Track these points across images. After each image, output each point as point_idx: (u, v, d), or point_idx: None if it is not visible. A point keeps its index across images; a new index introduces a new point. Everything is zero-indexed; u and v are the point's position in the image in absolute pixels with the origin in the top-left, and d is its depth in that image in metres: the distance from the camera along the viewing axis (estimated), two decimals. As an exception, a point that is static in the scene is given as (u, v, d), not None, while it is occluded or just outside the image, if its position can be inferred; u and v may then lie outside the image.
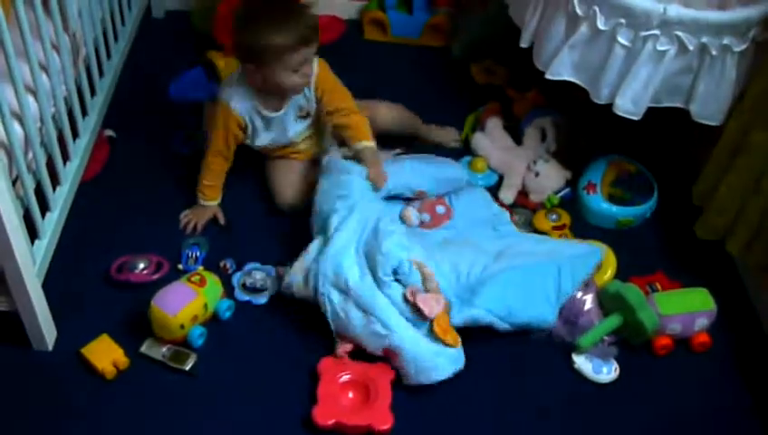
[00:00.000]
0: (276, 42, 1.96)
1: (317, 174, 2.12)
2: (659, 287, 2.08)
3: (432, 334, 1.85)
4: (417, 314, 1.86)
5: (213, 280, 1.95)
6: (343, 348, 1.88)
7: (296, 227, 2.13)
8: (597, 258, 2.06)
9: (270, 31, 1.96)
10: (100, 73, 2.25)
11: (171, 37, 2.80)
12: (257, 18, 1.99)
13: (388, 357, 1.86)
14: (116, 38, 2.38)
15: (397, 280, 1.90)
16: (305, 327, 1.96)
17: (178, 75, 2.60)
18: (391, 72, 2.72)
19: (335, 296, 1.87)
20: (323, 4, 2.83)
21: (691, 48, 1.91)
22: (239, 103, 2.09)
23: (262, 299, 2.01)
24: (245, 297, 2.01)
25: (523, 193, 2.31)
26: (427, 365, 1.82)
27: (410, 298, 1.86)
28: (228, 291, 2.00)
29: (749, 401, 1.92)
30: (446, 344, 1.84)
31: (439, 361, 1.83)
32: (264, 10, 2.00)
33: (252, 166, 2.29)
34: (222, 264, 2.07)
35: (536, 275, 1.97)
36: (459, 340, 1.86)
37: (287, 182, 2.21)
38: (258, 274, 2.05)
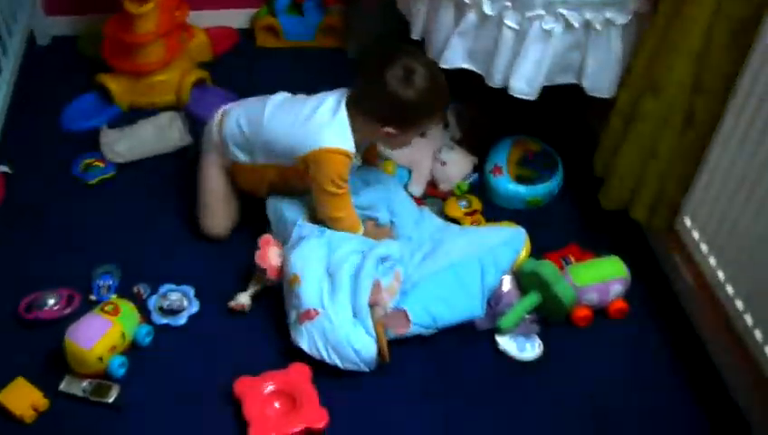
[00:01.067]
0: (439, 114, 1.99)
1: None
2: (573, 259, 2.13)
3: (367, 326, 1.86)
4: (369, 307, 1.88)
5: (128, 307, 1.90)
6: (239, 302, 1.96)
7: (208, 246, 2.13)
8: (520, 243, 2.09)
9: (440, 104, 1.98)
10: (-13, 108, 2.17)
11: (59, 63, 2.73)
12: (434, 85, 1.92)
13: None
14: None
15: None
16: (227, 342, 1.95)
17: (70, 103, 2.53)
18: (288, 76, 2.69)
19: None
20: (213, 16, 2.80)
21: (576, 25, 1.95)
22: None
23: (180, 320, 1.97)
24: (163, 320, 1.97)
25: (433, 183, 2.33)
26: (340, 347, 1.84)
27: (375, 287, 1.89)
28: (145, 316, 1.96)
29: (670, 359, 1.99)
30: (379, 346, 1.85)
31: (350, 350, 1.84)
32: (435, 77, 1.93)
33: (160, 185, 2.24)
34: (135, 289, 2.02)
35: (459, 275, 1.99)
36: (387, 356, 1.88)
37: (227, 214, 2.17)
38: (174, 294, 2.01)
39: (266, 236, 2.02)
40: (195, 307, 2.00)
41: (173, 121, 2.43)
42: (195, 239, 2.16)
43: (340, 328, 1.84)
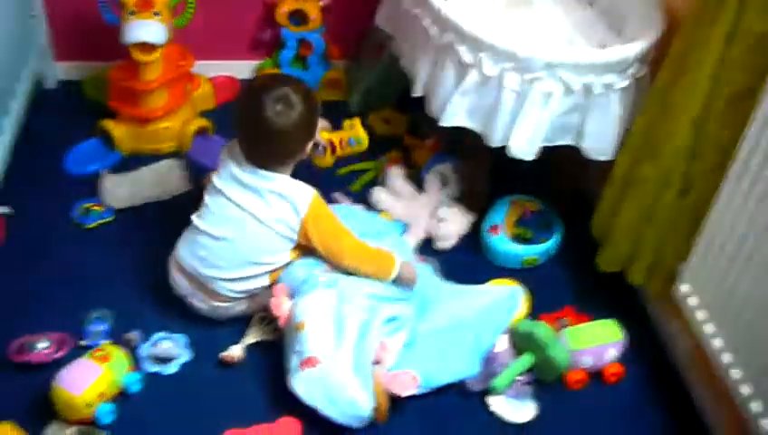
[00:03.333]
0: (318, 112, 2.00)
1: None
2: (569, 322, 2.12)
3: (366, 384, 1.84)
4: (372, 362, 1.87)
5: (118, 354, 1.89)
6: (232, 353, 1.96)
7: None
8: (516, 303, 2.08)
9: (315, 96, 2.00)
10: (-9, 149, 2.18)
11: (65, 108, 2.74)
12: (309, 95, 1.97)
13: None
14: (6, 111, 2.32)
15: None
16: (217, 393, 1.93)
17: (74, 147, 2.54)
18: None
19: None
20: (218, 66, 2.83)
21: (576, 88, 1.98)
22: None
23: (171, 368, 1.96)
24: (154, 368, 1.95)
25: (430, 241, 2.33)
26: (338, 398, 1.81)
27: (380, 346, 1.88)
28: (136, 363, 1.94)
29: (665, 426, 1.97)
30: (377, 405, 1.83)
31: (346, 404, 1.82)
32: (299, 86, 1.97)
33: (158, 233, 2.24)
34: (127, 336, 2.01)
35: (454, 334, 1.98)
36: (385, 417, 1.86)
37: None
38: (166, 343, 1.99)
39: (281, 285, 2.01)
40: (187, 356, 1.99)
41: (173, 169, 2.45)
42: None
43: (340, 379, 1.82)
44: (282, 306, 1.96)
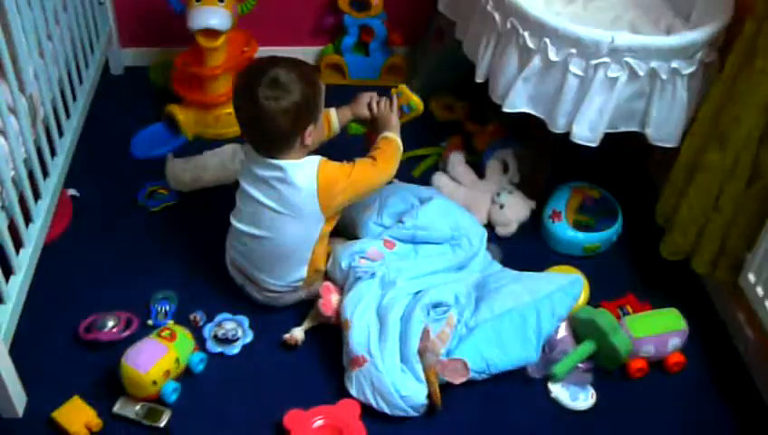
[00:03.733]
0: (321, 87, 1.94)
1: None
2: (630, 310, 2.10)
3: (416, 373, 1.86)
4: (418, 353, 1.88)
5: (183, 334, 1.93)
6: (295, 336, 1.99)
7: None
8: (577, 290, 2.07)
9: (316, 74, 1.94)
10: (60, 133, 2.24)
11: (131, 93, 2.81)
12: (306, 76, 1.89)
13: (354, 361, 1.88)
14: (74, 97, 2.38)
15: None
16: (279, 374, 1.96)
17: (139, 131, 2.60)
18: (351, 114, 2.73)
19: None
20: (281, 53, 2.83)
21: (641, 73, 1.95)
22: None
23: (234, 349, 1.99)
24: (217, 349, 1.99)
25: (490, 226, 2.33)
26: (387, 395, 1.84)
27: (424, 334, 1.89)
28: (200, 343, 1.99)
29: (728, 418, 1.94)
30: (430, 391, 1.85)
31: (398, 397, 1.85)
32: (294, 67, 1.90)
33: (221, 216, 2.28)
34: (192, 316, 2.05)
35: (515, 321, 1.97)
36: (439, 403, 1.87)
37: None
38: (229, 324, 2.03)
39: (327, 284, 2.04)
40: (249, 337, 2.02)
41: (236, 154, 2.48)
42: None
43: (387, 376, 1.84)
44: (330, 305, 2.00)
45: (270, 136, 1.89)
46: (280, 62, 1.89)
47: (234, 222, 2.03)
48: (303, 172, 1.91)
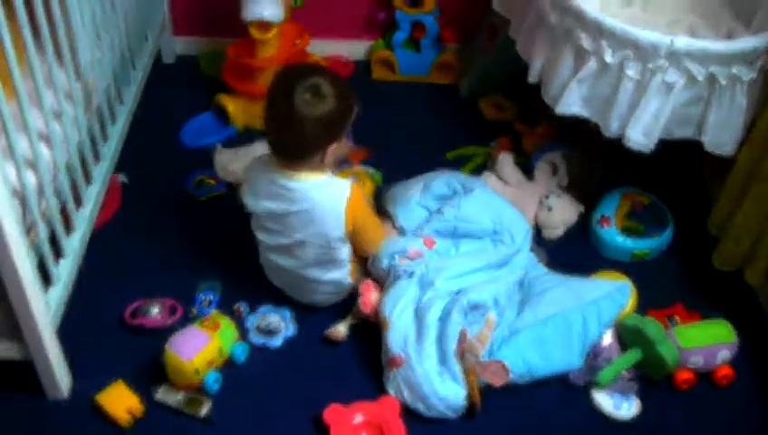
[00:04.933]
0: (356, 111, 1.92)
1: None
2: (678, 320, 2.06)
3: (454, 374, 1.84)
4: (457, 355, 1.86)
5: (227, 324, 1.94)
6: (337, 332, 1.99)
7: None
8: (625, 297, 2.04)
9: (354, 101, 1.90)
10: (113, 120, 2.26)
11: (181, 81, 2.83)
12: (344, 93, 1.87)
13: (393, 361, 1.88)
14: (127, 84, 2.40)
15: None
16: (321, 369, 1.96)
17: (189, 120, 2.62)
18: (401, 110, 2.73)
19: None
20: (331, 46, 2.86)
21: (700, 78, 1.91)
22: None
23: (276, 342, 2.00)
24: (260, 340, 2.00)
25: (537, 229, 2.30)
26: (425, 397, 1.83)
27: (462, 336, 1.87)
28: (243, 334, 1.99)
29: (775, 435, 1.89)
30: (469, 393, 1.84)
31: (436, 399, 1.84)
32: (336, 80, 1.87)
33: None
34: (235, 307, 2.06)
35: (559, 326, 1.94)
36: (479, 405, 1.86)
37: None
38: (272, 316, 2.04)
39: (367, 282, 2.04)
40: (291, 330, 2.02)
41: (284, 146, 2.48)
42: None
43: (424, 377, 1.83)
44: (370, 304, 1.99)
45: (297, 141, 1.85)
46: (324, 72, 1.88)
47: (261, 238, 2.02)
48: (334, 192, 1.90)
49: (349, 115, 1.90)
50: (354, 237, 1.97)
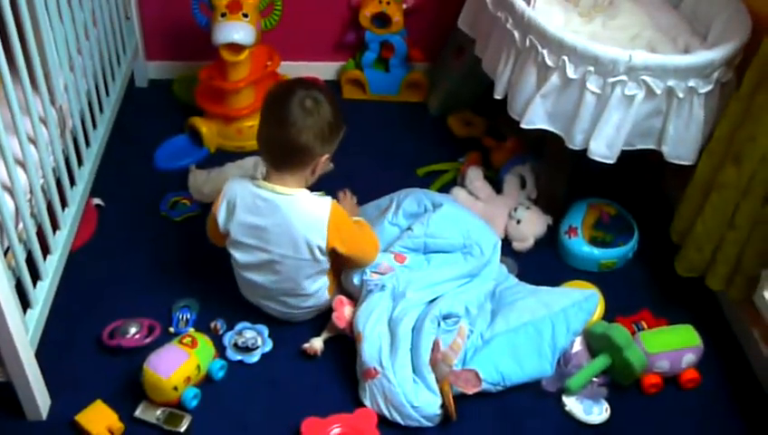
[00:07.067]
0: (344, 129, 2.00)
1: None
2: (645, 326, 2.11)
3: (428, 383, 1.88)
4: (430, 364, 1.90)
5: (204, 341, 1.97)
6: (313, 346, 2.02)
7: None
8: (593, 305, 2.09)
9: (340, 117, 1.97)
10: (87, 143, 2.29)
11: (155, 105, 2.86)
12: (337, 108, 1.95)
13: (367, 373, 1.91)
14: (101, 109, 2.43)
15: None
16: (298, 383, 1.99)
17: (163, 143, 2.65)
18: (371, 128, 2.78)
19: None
20: (302, 68, 2.91)
21: (658, 92, 1.97)
22: None
23: (253, 358, 2.02)
24: (237, 356, 2.02)
25: (507, 241, 2.35)
26: (400, 406, 1.87)
27: (435, 346, 1.91)
28: (220, 351, 2.02)
29: None
30: (444, 402, 1.87)
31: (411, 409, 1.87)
32: (329, 96, 1.96)
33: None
34: (213, 325, 2.09)
35: (530, 334, 1.99)
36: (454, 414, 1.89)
37: None
38: (249, 332, 2.07)
39: (339, 297, 2.08)
40: (268, 346, 2.05)
41: (258, 166, 2.51)
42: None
43: (398, 387, 1.87)
44: (344, 319, 2.04)
45: (291, 150, 1.91)
46: (321, 89, 1.96)
47: (240, 271, 2.05)
48: (317, 209, 1.94)
49: (341, 128, 1.98)
50: (347, 255, 2.00)
